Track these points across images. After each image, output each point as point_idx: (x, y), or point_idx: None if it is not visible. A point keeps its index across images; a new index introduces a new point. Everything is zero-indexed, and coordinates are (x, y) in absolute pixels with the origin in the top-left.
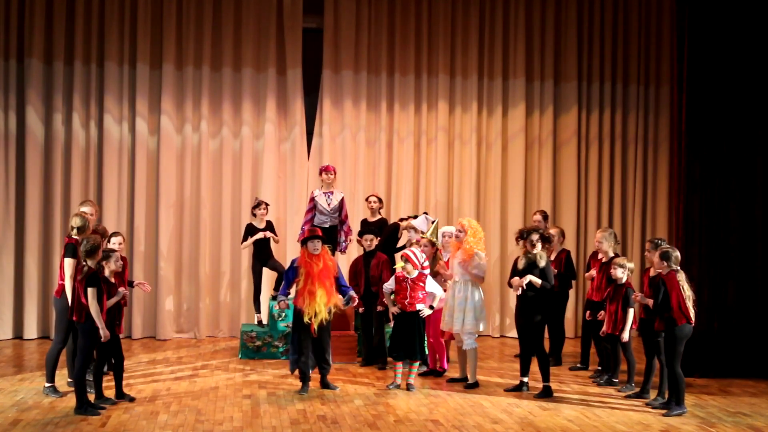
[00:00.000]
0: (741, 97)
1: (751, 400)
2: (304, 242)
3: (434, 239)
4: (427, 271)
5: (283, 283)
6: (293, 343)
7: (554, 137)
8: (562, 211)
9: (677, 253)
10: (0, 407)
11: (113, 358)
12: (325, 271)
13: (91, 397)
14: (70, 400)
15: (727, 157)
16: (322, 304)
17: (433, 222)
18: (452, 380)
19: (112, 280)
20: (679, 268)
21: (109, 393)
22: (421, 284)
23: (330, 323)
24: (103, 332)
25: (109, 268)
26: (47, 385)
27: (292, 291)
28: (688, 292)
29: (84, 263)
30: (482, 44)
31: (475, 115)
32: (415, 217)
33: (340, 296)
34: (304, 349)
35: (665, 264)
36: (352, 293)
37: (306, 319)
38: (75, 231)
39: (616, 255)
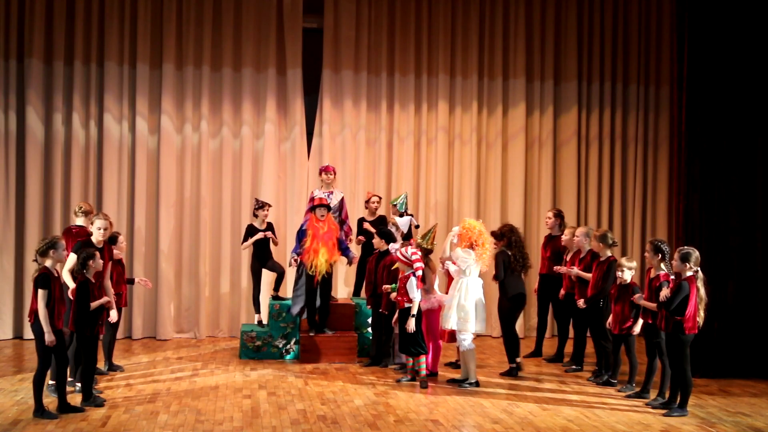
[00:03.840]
0: (741, 96)
1: (751, 400)
2: (312, 209)
3: (427, 246)
4: (416, 264)
5: (295, 243)
6: (303, 295)
7: (554, 137)
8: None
9: (697, 254)
10: (0, 407)
11: (87, 359)
12: (329, 233)
13: (80, 397)
14: (71, 399)
15: (727, 156)
16: (323, 261)
17: (430, 230)
18: (452, 381)
19: (93, 279)
20: (698, 268)
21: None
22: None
23: (331, 276)
24: (48, 336)
25: (94, 268)
26: (50, 382)
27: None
28: (703, 296)
29: (35, 260)
30: (482, 44)
31: (475, 115)
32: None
33: (344, 256)
34: (310, 298)
35: (687, 266)
36: (351, 254)
37: (310, 272)
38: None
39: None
